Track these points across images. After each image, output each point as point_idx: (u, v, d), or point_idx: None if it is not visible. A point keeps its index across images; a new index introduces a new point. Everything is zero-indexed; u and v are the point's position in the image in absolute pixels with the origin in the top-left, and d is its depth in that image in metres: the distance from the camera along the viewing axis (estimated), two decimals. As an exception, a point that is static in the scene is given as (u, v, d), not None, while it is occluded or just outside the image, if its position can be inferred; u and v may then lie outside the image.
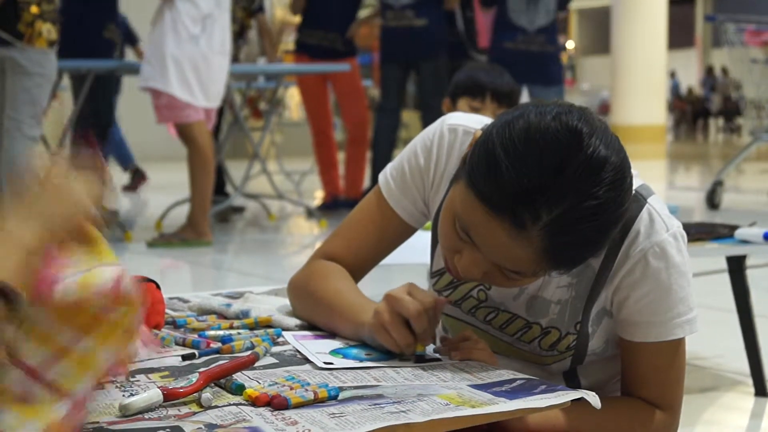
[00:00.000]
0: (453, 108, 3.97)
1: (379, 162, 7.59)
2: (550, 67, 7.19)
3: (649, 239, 1.58)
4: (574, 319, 1.67)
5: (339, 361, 1.52)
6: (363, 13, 8.58)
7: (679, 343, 1.63)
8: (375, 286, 2.07)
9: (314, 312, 1.77)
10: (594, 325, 1.67)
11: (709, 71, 30.57)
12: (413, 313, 1.54)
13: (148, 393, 1.27)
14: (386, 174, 1.82)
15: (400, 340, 1.55)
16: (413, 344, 1.55)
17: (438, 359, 1.56)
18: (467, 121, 1.77)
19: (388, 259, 1.91)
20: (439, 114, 2.04)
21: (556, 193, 1.40)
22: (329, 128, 8.26)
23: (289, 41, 14.65)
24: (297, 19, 8.30)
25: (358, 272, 1.84)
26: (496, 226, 1.44)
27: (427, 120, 7.50)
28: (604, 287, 1.63)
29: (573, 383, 1.73)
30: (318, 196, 8.92)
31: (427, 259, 1.85)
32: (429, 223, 1.85)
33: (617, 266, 1.60)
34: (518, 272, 1.50)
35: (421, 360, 1.54)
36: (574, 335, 1.68)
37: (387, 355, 1.56)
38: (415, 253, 2.18)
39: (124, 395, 1.32)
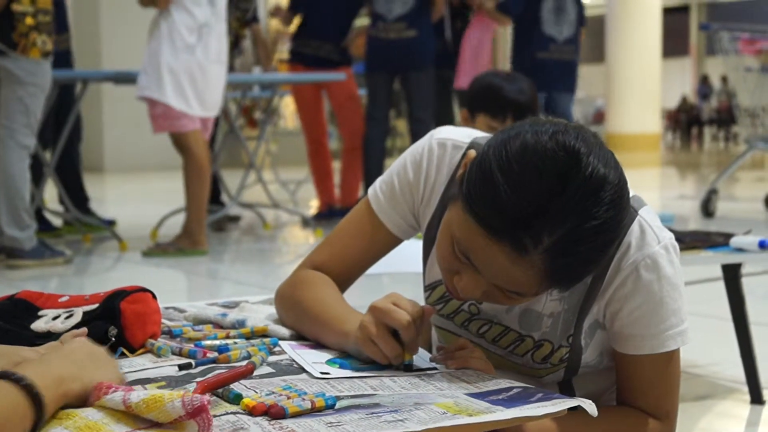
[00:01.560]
0: (471, 121, 3.78)
1: (371, 170, 7.62)
2: (574, 76, 7.58)
3: (641, 251, 1.58)
4: (566, 331, 1.67)
5: (335, 371, 1.52)
6: (359, 22, 8.58)
7: (672, 354, 1.63)
8: (364, 295, 2.07)
9: (299, 321, 1.77)
10: (587, 337, 1.67)
11: (704, 80, 30.60)
12: (403, 324, 1.54)
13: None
14: (375, 187, 1.83)
15: (388, 351, 1.54)
16: (401, 355, 1.55)
17: (434, 368, 1.56)
18: (456, 135, 1.78)
19: (379, 268, 1.91)
20: (428, 125, 2.05)
21: (557, 215, 1.39)
22: (324, 137, 8.27)
23: (283, 51, 14.67)
24: (292, 28, 8.30)
25: (344, 282, 1.84)
26: (497, 251, 1.43)
27: (416, 131, 7.55)
28: (596, 300, 1.63)
29: (568, 394, 1.73)
30: (313, 205, 8.92)
31: (418, 268, 1.85)
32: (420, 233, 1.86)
33: (609, 279, 1.60)
34: (519, 293, 1.50)
35: (408, 369, 1.54)
36: (566, 348, 1.67)
37: (374, 366, 1.56)
38: (406, 262, 2.18)
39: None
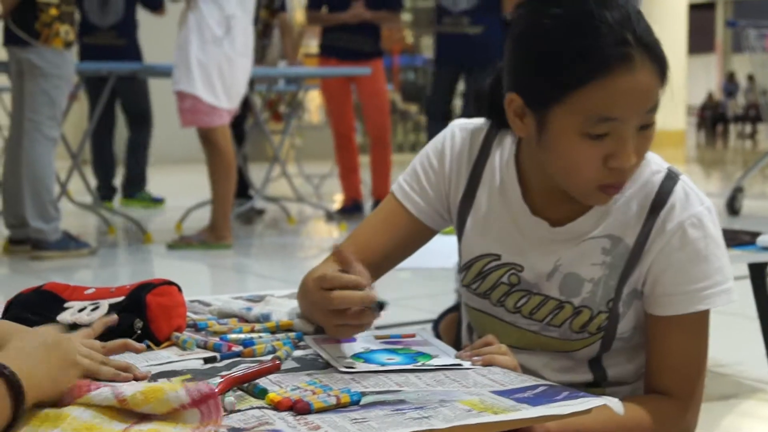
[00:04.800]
0: None
1: None
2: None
3: (687, 211, 1.65)
4: (606, 297, 1.70)
5: (361, 366, 1.52)
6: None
7: (706, 320, 1.67)
8: (398, 289, 2.07)
9: (309, 311, 1.77)
10: (625, 306, 1.71)
11: (730, 77, 30.46)
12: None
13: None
14: (399, 180, 1.87)
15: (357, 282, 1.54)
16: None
17: (459, 365, 1.55)
18: (475, 121, 1.85)
19: (411, 263, 1.92)
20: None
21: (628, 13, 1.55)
22: (351, 131, 8.23)
23: (309, 45, 14.64)
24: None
25: (371, 273, 1.83)
26: (618, 77, 1.51)
27: None
28: (638, 263, 1.67)
29: (598, 373, 1.75)
30: (337, 200, 8.93)
31: (449, 264, 1.86)
32: (450, 228, 1.87)
33: (652, 240, 1.65)
34: (653, 108, 1.57)
35: (381, 308, 1.53)
36: (606, 314, 1.70)
37: (399, 361, 1.54)
38: (437, 258, 2.18)
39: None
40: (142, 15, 8.58)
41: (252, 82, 6.91)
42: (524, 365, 1.66)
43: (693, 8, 23.05)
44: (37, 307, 1.70)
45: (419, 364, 1.54)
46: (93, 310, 1.67)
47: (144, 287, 1.68)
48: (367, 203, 8.29)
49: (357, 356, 1.58)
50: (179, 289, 1.73)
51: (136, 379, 1.37)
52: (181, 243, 6.16)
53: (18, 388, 1.15)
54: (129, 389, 1.21)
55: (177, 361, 1.53)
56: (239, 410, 1.28)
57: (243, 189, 7.79)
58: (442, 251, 1.89)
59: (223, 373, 1.42)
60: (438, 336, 2.96)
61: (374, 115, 8.06)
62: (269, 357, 1.52)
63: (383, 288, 1.83)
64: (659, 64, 1.56)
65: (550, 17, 1.56)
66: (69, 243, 5.77)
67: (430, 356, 1.58)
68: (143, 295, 1.66)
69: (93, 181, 8.28)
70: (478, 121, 1.84)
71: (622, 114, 1.53)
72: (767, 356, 3.02)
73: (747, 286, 3.08)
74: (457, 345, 1.89)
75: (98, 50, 8.20)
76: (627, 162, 1.56)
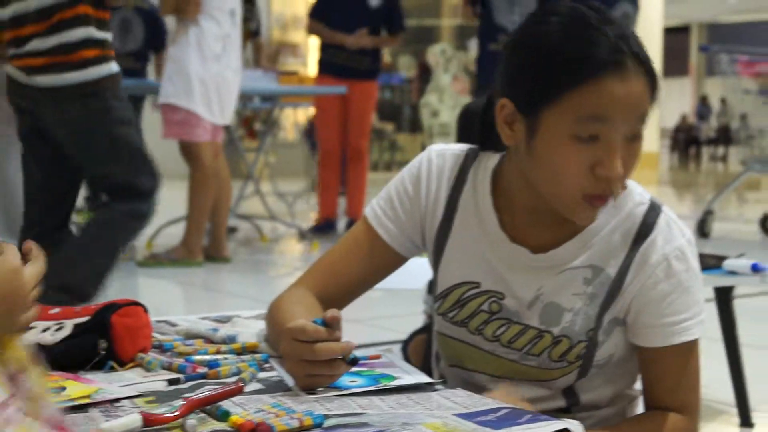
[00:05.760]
0: None
1: None
2: None
3: (670, 244, 1.67)
4: (586, 326, 1.71)
5: (323, 389, 1.52)
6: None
7: (693, 346, 1.70)
8: (367, 309, 2.08)
9: (272, 338, 1.77)
10: (605, 334, 1.72)
11: (703, 100, 30.66)
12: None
13: (126, 418, 1.26)
14: (372, 205, 1.85)
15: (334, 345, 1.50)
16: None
17: (422, 385, 1.56)
18: (452, 146, 1.84)
19: (381, 284, 1.92)
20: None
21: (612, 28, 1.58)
22: (337, 150, 8.21)
23: (286, 63, 14.63)
24: (299, 38, 8.31)
25: (341, 299, 1.83)
26: (610, 83, 1.54)
27: None
28: (620, 293, 1.68)
29: (571, 399, 1.77)
30: (311, 218, 8.93)
31: (419, 285, 1.86)
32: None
33: (635, 271, 1.67)
34: (642, 117, 1.58)
35: (354, 363, 1.53)
36: (585, 342, 1.71)
37: (364, 383, 1.55)
38: (407, 279, 2.18)
39: (107, 419, 1.31)
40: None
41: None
42: None
43: (668, 32, 23.19)
44: None
45: (381, 385, 1.54)
46: (57, 330, 1.66)
47: (109, 307, 1.68)
48: (341, 221, 8.30)
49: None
50: (145, 310, 1.73)
51: None
52: (152, 260, 6.14)
53: None
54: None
55: (141, 383, 1.53)
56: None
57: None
58: (412, 272, 1.88)
59: (186, 395, 1.42)
60: (407, 357, 2.97)
61: (355, 134, 8.07)
62: (234, 379, 1.52)
63: (352, 308, 1.84)
64: (650, 79, 1.59)
65: (549, 24, 1.58)
66: (39, 260, 5.74)
67: (392, 377, 1.58)
68: (108, 316, 1.65)
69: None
70: (456, 147, 1.83)
71: (612, 114, 1.54)
72: (731, 378, 3.04)
73: (712, 308, 3.11)
74: (425, 366, 1.89)
75: None
76: (614, 170, 1.56)
